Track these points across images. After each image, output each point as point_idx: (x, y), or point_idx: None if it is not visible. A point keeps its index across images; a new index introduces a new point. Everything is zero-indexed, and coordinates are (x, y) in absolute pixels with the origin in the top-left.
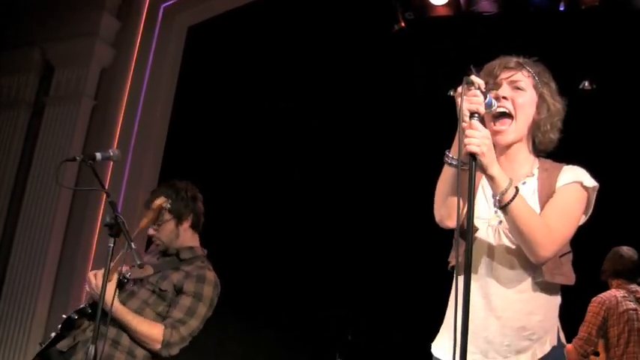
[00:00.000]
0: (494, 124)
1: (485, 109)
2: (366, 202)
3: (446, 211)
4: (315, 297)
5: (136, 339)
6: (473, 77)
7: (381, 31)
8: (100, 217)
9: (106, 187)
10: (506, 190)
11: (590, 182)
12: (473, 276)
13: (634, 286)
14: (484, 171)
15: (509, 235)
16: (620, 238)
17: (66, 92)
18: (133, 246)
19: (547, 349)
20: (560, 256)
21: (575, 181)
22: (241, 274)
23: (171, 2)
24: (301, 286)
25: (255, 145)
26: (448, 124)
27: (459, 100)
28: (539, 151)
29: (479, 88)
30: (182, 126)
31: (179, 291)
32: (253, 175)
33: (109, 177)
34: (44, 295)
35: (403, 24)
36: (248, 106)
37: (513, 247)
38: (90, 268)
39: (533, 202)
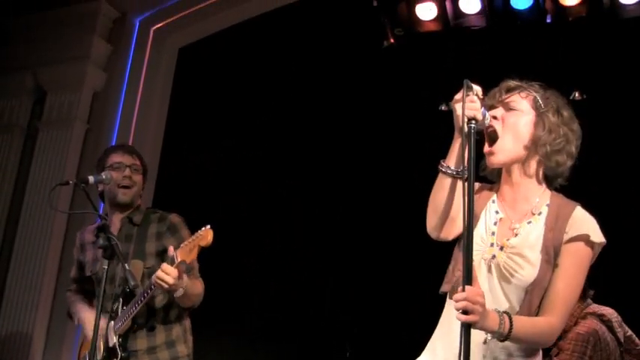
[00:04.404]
0: (488, 146)
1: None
2: (373, 201)
3: (439, 222)
4: (320, 295)
5: (195, 302)
6: (471, 84)
7: (371, 47)
8: None
9: (101, 211)
10: (500, 326)
11: (599, 237)
12: None
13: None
14: (474, 325)
15: (502, 270)
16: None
17: (59, 116)
18: (127, 267)
19: None
20: None
21: (583, 238)
22: (251, 271)
23: (161, 24)
24: (305, 284)
25: (248, 164)
26: (440, 137)
27: (456, 106)
28: (551, 181)
29: (477, 95)
30: (175, 147)
31: (163, 251)
32: (247, 192)
33: None
34: (41, 320)
35: (393, 40)
36: (241, 126)
37: (505, 285)
38: None
39: (537, 249)
